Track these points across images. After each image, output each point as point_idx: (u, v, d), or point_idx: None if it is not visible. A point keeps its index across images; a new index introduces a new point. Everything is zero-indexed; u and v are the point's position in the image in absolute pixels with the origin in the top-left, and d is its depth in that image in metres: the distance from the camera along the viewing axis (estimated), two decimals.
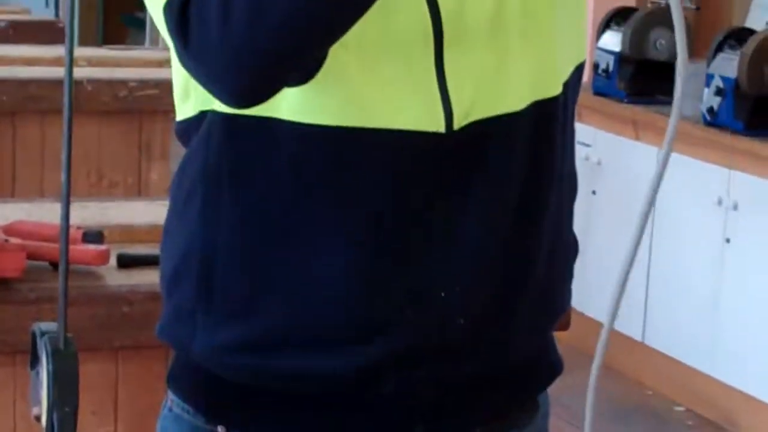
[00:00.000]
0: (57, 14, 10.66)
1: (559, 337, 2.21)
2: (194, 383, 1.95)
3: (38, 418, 1.45)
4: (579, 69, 1.97)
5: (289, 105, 1.77)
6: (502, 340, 1.90)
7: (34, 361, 1.48)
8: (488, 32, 1.80)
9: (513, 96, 1.83)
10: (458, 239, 1.84)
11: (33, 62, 6.03)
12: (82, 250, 3.06)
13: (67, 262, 1.73)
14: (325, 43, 1.64)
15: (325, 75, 1.71)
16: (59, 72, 4.38)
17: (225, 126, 1.83)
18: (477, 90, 1.82)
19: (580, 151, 6.01)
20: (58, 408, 1.43)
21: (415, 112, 1.80)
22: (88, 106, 5.13)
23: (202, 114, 1.84)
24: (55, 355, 1.43)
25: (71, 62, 1.85)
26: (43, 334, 1.46)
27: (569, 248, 2.03)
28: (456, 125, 1.80)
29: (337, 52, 1.68)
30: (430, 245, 1.84)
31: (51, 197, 3.92)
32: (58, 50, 6.19)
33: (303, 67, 1.68)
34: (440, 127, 1.80)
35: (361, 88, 1.79)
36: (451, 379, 1.89)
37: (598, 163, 6.10)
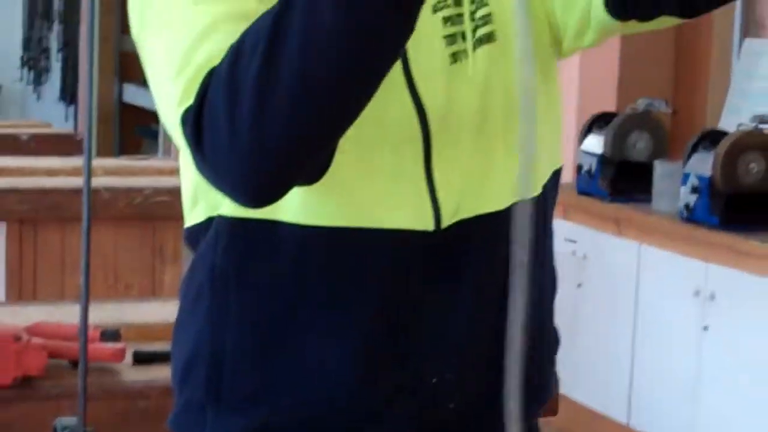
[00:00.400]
0: (76, 128, 10.73)
1: (548, 421, 2.22)
2: None
3: None
4: (556, 173, 1.99)
5: (289, 208, 1.77)
6: (492, 425, 1.84)
7: None
8: (473, 136, 1.83)
9: (496, 196, 1.85)
10: (449, 329, 1.87)
11: (53, 173, 6.04)
12: (100, 348, 3.06)
13: (86, 360, 1.73)
14: (329, 140, 1.62)
15: (323, 178, 1.70)
16: (78, 182, 4.40)
17: (231, 230, 1.83)
18: (463, 191, 1.84)
19: (566, 247, 6.05)
20: None
21: (407, 212, 1.82)
22: (104, 213, 5.13)
23: (210, 219, 1.86)
24: None
25: (89, 172, 1.85)
26: (64, 428, 1.45)
27: (552, 338, 2.04)
28: (444, 224, 1.83)
29: (347, 166, 1.69)
30: (423, 336, 1.86)
31: (71, 299, 3.92)
32: (77, 161, 6.22)
33: (311, 164, 1.66)
34: (429, 226, 1.82)
35: (356, 190, 1.80)
36: None
37: (584, 258, 6.10)
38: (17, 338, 2.90)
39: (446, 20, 1.83)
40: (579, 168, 6.13)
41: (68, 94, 14.36)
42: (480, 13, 1.85)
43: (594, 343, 5.88)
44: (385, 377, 1.85)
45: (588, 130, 6.22)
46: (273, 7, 1.53)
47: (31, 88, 15.69)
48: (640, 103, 6.33)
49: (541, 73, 1.89)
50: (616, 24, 1.87)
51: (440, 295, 1.86)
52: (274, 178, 1.62)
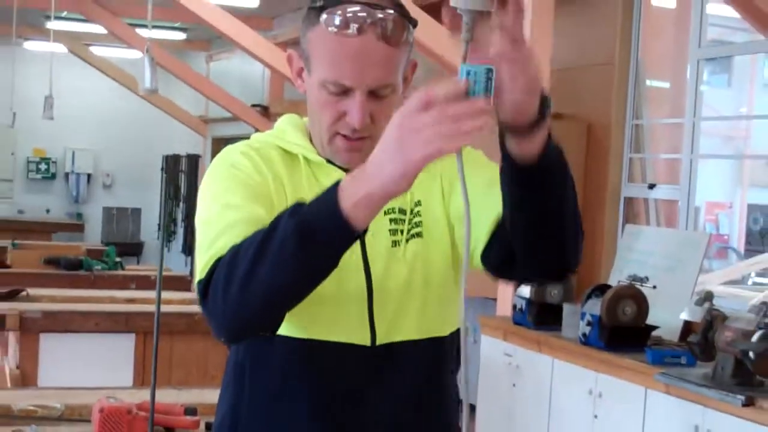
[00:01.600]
0: (191, 272, 10.75)
1: None
2: None
3: None
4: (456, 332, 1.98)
5: (283, 327, 1.81)
6: None
7: None
8: (400, 294, 1.89)
9: (414, 330, 1.91)
10: (380, 416, 1.90)
11: (168, 302, 6.10)
12: (182, 419, 3.07)
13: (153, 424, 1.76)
14: (289, 309, 1.71)
15: (299, 313, 1.75)
16: (186, 308, 4.43)
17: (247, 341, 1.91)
18: (390, 325, 1.89)
19: (506, 359, 6.05)
20: None
21: (354, 333, 1.88)
22: (199, 329, 5.17)
23: None
24: None
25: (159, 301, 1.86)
26: None
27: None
28: (377, 342, 1.88)
29: (311, 299, 1.71)
30: (359, 419, 1.89)
31: (173, 386, 3.93)
32: (188, 295, 6.28)
33: (271, 324, 1.76)
34: (367, 342, 1.88)
35: (321, 319, 1.86)
36: None
37: (517, 367, 6.09)
38: (129, 411, 2.93)
39: (391, 221, 1.90)
40: (514, 306, 6.15)
41: (187, 249, 14.48)
42: (415, 220, 1.91)
43: (524, 425, 5.86)
44: None
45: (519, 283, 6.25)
46: (264, 228, 1.64)
47: (164, 244, 15.76)
48: None
49: (445, 256, 1.94)
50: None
51: (373, 391, 1.89)
52: (243, 332, 1.76)
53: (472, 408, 7.09)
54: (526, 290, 6.11)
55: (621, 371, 5.27)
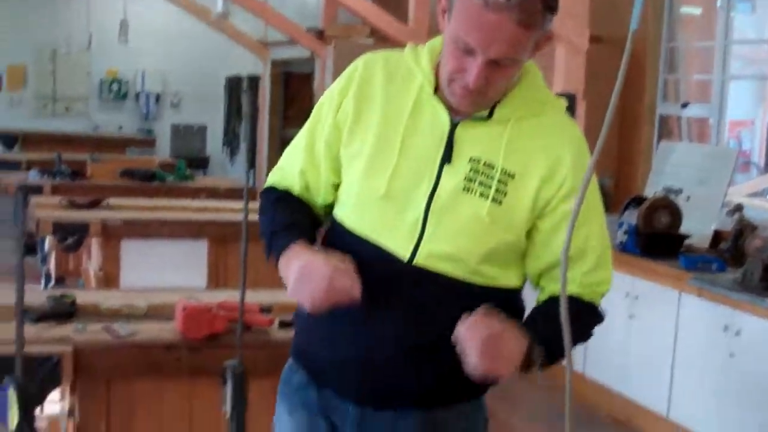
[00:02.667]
0: (254, 183, 10.76)
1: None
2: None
3: (225, 413, 1.50)
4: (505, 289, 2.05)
5: (347, 220, 1.98)
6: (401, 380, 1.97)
7: (224, 381, 1.53)
8: (450, 230, 1.92)
9: (448, 265, 1.92)
10: (389, 330, 1.95)
11: (237, 211, 6.11)
12: (258, 317, 3.11)
13: (243, 324, 1.78)
14: None
15: (367, 209, 1.94)
16: (251, 217, 4.46)
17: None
18: (431, 253, 1.91)
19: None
20: (236, 408, 1.47)
21: (399, 245, 1.92)
22: None
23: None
24: (235, 378, 1.48)
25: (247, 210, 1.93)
26: (227, 366, 1.50)
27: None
28: (413, 262, 1.91)
29: (382, 205, 1.92)
30: (377, 316, 1.94)
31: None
32: (252, 204, 6.29)
33: None
34: (405, 258, 1.92)
35: (380, 220, 1.94)
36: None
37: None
38: (209, 310, 2.97)
39: (471, 169, 1.91)
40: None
41: (251, 163, 14.47)
42: (499, 186, 1.90)
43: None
44: (357, 332, 1.96)
45: (625, 207, 6.17)
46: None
47: (228, 158, 15.81)
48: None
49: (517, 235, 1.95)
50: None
51: (392, 304, 1.94)
52: None
53: None
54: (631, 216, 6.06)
55: (656, 276, 5.26)
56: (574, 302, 1.96)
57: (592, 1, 6.19)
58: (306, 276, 1.84)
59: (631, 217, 5.49)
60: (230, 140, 15.62)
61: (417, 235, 1.90)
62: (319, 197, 2.06)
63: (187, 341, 2.92)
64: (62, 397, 3.29)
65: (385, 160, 1.91)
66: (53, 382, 2.76)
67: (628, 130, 6.98)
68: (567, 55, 6.23)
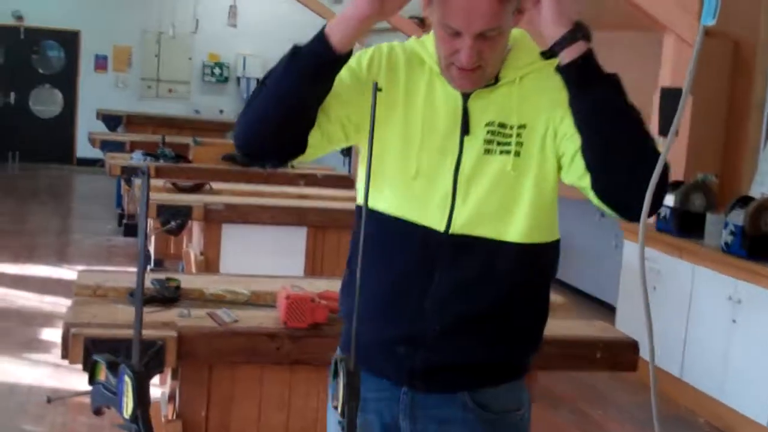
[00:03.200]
0: (350, 171, 10.84)
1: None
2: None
3: (336, 407, 1.49)
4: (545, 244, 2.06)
5: (381, 204, 2.02)
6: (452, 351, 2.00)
7: (335, 375, 1.51)
8: (481, 195, 1.98)
9: (487, 229, 1.98)
10: (438, 291, 1.99)
11: (335, 198, 6.14)
12: None
13: (356, 321, 1.76)
14: (286, 128, 1.93)
15: (394, 191, 2.01)
16: (348, 205, 4.46)
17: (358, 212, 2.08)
18: (467, 219, 1.98)
19: (646, 264, 5.93)
20: (348, 403, 1.46)
21: (433, 218, 1.99)
22: None
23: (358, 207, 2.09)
24: (348, 373, 1.46)
25: (367, 200, 1.89)
26: (341, 360, 1.49)
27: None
28: (450, 231, 1.98)
29: (413, 184, 1.99)
30: (421, 291, 2.00)
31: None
32: (349, 192, 6.32)
33: (278, 144, 1.97)
34: (441, 229, 1.98)
35: (410, 200, 2.01)
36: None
37: (658, 272, 6.00)
38: (312, 300, 2.97)
39: (489, 132, 2.00)
40: (658, 215, 6.02)
41: (346, 150, 14.55)
42: (517, 140, 1.99)
43: (663, 328, 5.76)
44: (404, 309, 2.00)
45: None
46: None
47: None
48: (699, 176, 6.20)
49: (541, 180, 1.99)
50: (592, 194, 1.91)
51: (437, 275, 1.99)
52: (251, 146, 1.98)
53: (612, 309, 7.00)
54: (669, 199, 5.97)
55: (761, 279, 5.13)
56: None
57: None
58: None
59: (738, 217, 5.35)
60: None
61: (449, 206, 1.98)
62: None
63: (289, 330, 2.92)
64: (163, 382, 3.34)
65: (411, 142, 2.01)
66: (157, 367, 2.80)
67: (735, 128, 6.82)
68: (675, 49, 6.10)
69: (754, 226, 5.26)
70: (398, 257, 2.01)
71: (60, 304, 6.96)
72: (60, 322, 6.51)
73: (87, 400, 1.54)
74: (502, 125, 1.98)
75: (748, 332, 5.25)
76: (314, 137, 1.95)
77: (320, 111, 1.94)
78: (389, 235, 2.01)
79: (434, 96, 2.03)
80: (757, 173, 6.24)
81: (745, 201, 5.44)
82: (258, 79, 16.05)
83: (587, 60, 1.82)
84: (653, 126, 6.12)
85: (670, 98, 6.07)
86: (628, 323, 5.86)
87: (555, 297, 2.97)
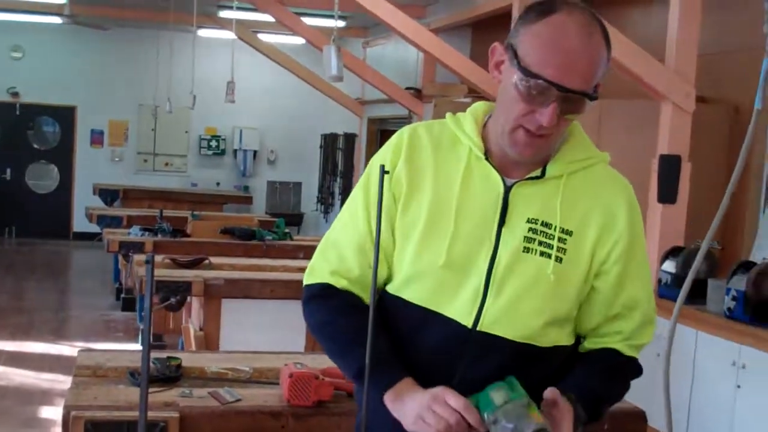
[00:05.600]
0: None
1: None
2: None
3: None
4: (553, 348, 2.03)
5: (405, 292, 1.95)
6: None
7: None
8: (513, 294, 1.90)
9: (514, 330, 1.90)
10: (460, 388, 1.86)
11: None
12: None
13: (367, 403, 1.75)
14: None
15: (424, 282, 1.92)
16: None
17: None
18: (496, 318, 1.90)
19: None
20: None
21: (463, 312, 1.90)
22: None
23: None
24: None
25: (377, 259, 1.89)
26: None
27: None
28: (478, 328, 1.90)
29: (441, 273, 1.90)
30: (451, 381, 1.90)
31: None
32: None
33: None
34: (469, 325, 1.90)
35: (441, 291, 1.92)
36: None
37: (662, 338, 5.96)
38: (316, 377, 2.95)
39: (530, 230, 1.91)
40: (659, 281, 6.02)
41: None
42: (559, 244, 1.91)
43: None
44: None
45: (665, 257, 6.10)
46: (335, 316, 1.98)
47: (322, 215, 15.94)
48: (699, 242, 6.21)
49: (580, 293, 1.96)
50: None
51: (461, 369, 1.91)
52: None
53: None
54: (671, 265, 5.98)
55: (765, 344, 5.11)
56: (614, 357, 2.02)
57: (699, 62, 6.10)
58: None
59: (740, 283, 5.35)
60: (325, 197, 15.76)
61: (479, 301, 1.89)
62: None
63: (293, 408, 2.91)
64: None
65: (442, 229, 1.90)
66: None
67: (735, 193, 6.84)
68: (673, 116, 6.15)
69: (757, 291, 5.26)
70: (423, 347, 1.93)
71: (58, 381, 6.93)
72: (58, 399, 6.52)
73: None
74: (546, 224, 1.90)
75: (753, 397, 5.22)
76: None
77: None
78: (414, 324, 1.93)
79: (472, 182, 1.93)
80: (758, 238, 6.25)
81: (746, 266, 5.44)
82: (255, 152, 16.16)
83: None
84: (652, 193, 6.15)
85: (668, 165, 6.11)
86: (632, 391, 5.81)
87: None
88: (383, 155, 2.00)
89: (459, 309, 1.90)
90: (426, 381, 1.88)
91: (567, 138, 1.95)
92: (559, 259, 1.89)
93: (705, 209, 6.74)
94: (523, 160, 1.89)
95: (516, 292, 1.88)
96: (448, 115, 2.03)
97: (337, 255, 2.00)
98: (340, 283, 1.99)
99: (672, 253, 6.11)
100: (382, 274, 1.98)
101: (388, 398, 1.86)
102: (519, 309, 1.88)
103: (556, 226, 1.89)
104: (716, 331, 5.51)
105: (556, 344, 1.94)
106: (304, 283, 2.06)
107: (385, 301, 1.98)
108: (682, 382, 5.78)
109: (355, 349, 1.90)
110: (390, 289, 1.98)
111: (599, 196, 1.93)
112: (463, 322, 1.89)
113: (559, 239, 1.89)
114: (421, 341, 1.92)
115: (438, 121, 2.04)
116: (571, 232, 1.90)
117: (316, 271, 2.04)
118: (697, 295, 5.82)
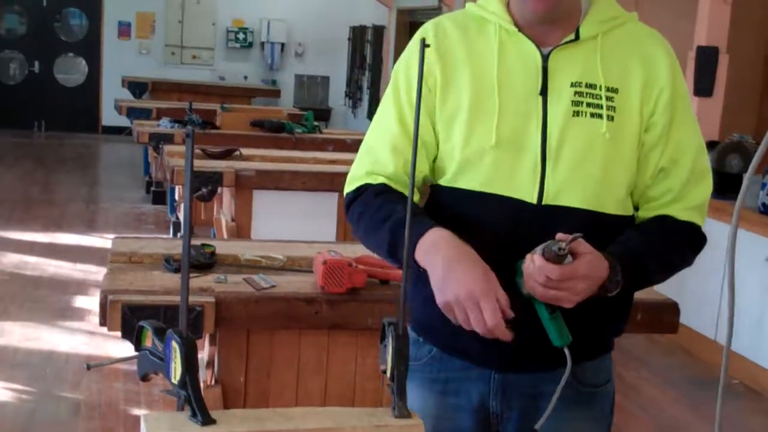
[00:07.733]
0: None
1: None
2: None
3: (384, 372, 1.48)
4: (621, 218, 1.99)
5: (458, 180, 1.91)
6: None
7: (383, 337, 1.51)
8: (572, 162, 1.87)
9: (580, 199, 1.88)
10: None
11: None
12: (397, 272, 3.09)
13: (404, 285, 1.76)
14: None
15: (478, 163, 1.88)
16: None
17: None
18: (559, 189, 1.87)
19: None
20: (397, 368, 1.46)
21: (524, 190, 1.87)
22: None
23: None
24: (397, 337, 1.46)
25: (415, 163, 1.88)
26: (389, 324, 1.49)
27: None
28: (543, 202, 1.86)
29: (494, 154, 1.87)
30: (515, 272, 1.84)
31: None
32: None
33: None
34: (533, 200, 1.87)
35: (497, 173, 1.88)
36: None
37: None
38: (349, 264, 2.97)
39: (576, 93, 1.88)
40: None
41: (372, 114, 14.54)
42: (608, 103, 1.88)
43: (697, 290, 5.74)
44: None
45: None
46: (377, 204, 1.92)
47: (350, 110, 15.88)
48: (734, 137, 6.15)
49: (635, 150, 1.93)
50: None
51: (530, 247, 1.82)
52: None
53: None
54: None
55: None
56: (664, 221, 1.96)
57: None
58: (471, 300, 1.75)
59: None
60: (353, 91, 15.67)
61: (539, 174, 1.86)
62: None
63: (327, 295, 2.93)
64: (201, 348, 3.36)
65: (487, 109, 1.88)
66: (196, 333, 2.82)
67: None
68: (711, 6, 6.03)
69: None
70: (486, 233, 1.86)
71: (91, 271, 7.02)
72: (93, 289, 6.62)
73: (122, 366, 1.55)
74: (590, 85, 1.88)
75: None
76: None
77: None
78: (473, 212, 1.89)
79: (508, 57, 1.91)
80: None
81: None
82: (283, 45, 16.03)
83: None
84: (689, 84, 6.06)
85: (705, 57, 6.00)
86: (661, 286, 5.83)
87: None
88: (410, 51, 1.98)
89: (520, 187, 1.86)
90: (493, 266, 1.81)
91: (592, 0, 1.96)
92: (610, 118, 1.87)
93: (741, 103, 6.67)
94: (539, 18, 1.88)
95: (575, 158, 1.86)
96: (468, 3, 2.02)
97: (371, 158, 1.98)
98: (377, 180, 1.96)
99: (707, 147, 6.06)
100: (422, 169, 1.95)
101: (419, 251, 1.81)
102: (581, 174, 1.86)
103: (601, 86, 1.87)
104: (750, 226, 5.49)
105: (621, 213, 1.92)
106: (345, 191, 2.03)
107: (441, 195, 1.95)
108: (713, 278, 5.78)
109: (385, 223, 1.88)
110: (443, 182, 1.94)
111: (637, 50, 1.91)
112: (527, 199, 1.86)
113: (607, 98, 1.87)
114: (485, 227, 1.87)
115: (458, 11, 2.03)
116: (617, 89, 1.88)
117: (354, 178, 2.01)
118: (732, 190, 5.79)
